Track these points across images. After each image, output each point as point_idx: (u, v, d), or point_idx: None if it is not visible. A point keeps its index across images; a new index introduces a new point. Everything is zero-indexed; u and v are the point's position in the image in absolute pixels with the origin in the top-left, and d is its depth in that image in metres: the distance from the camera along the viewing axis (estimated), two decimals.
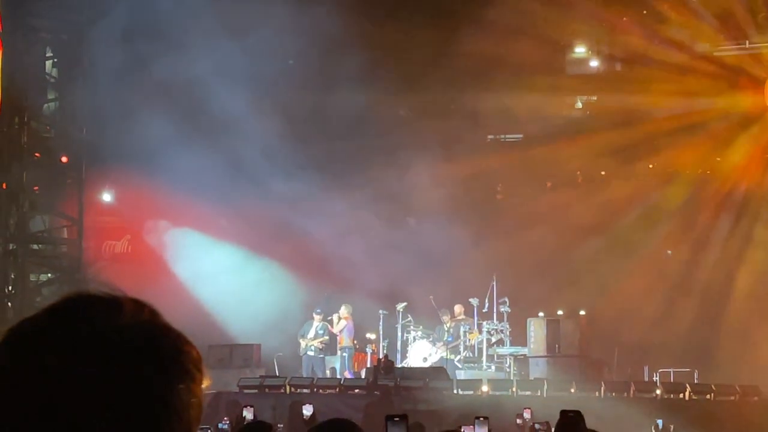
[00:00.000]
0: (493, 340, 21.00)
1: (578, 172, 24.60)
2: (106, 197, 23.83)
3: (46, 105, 20.71)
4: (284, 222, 21.62)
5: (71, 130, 20.19)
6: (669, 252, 23.48)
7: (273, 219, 21.56)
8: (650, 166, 24.01)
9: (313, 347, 20.96)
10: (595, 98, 24.61)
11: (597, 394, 17.54)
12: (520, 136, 25.12)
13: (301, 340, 21.06)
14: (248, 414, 14.76)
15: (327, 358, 21.28)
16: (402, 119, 23.45)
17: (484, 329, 20.91)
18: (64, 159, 20.60)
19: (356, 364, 21.49)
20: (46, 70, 20.63)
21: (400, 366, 20.06)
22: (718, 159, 22.97)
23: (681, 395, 17.77)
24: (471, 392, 17.94)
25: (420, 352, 21.16)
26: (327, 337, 21.12)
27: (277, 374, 20.14)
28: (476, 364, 20.83)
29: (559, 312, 21.38)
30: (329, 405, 16.88)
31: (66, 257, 20.72)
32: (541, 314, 20.68)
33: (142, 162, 19.92)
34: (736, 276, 21.72)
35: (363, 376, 19.46)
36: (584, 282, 21.36)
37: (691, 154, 22.61)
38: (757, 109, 22.02)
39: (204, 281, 21.98)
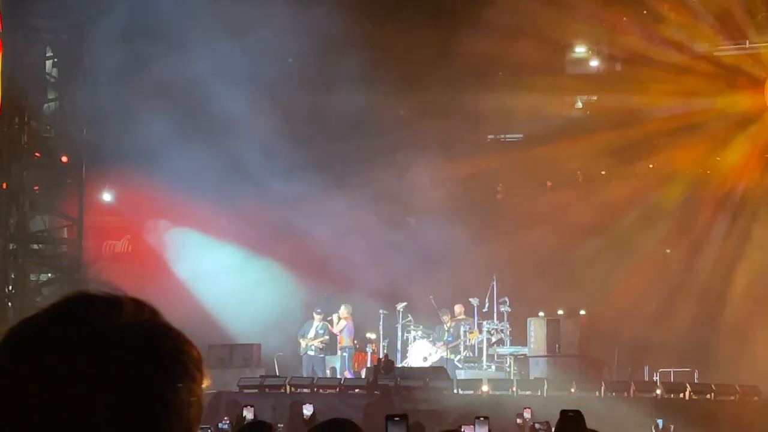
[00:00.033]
0: (494, 339, 21.00)
1: (578, 172, 24.59)
2: (107, 197, 23.84)
3: (46, 105, 20.72)
4: (284, 222, 21.63)
5: (71, 130, 20.20)
6: (668, 251, 23.48)
7: (273, 219, 21.57)
8: (650, 165, 24.01)
9: (313, 347, 20.96)
10: (595, 98, 24.61)
11: (597, 393, 17.54)
12: (520, 135, 25.11)
13: (301, 340, 21.06)
14: (248, 414, 14.77)
15: (327, 357, 21.28)
16: (402, 119, 23.45)
17: (485, 329, 20.91)
18: (64, 159, 20.60)
19: (356, 363, 21.48)
20: (47, 70, 20.63)
21: (400, 366, 20.06)
22: (718, 159, 22.97)
23: (681, 395, 17.77)
24: (471, 392, 17.94)
25: (420, 352, 21.16)
26: (327, 337, 21.12)
27: (278, 374, 20.14)
28: (476, 364, 20.83)
29: (560, 312, 21.38)
30: (329, 405, 16.88)
31: (66, 257, 20.72)
32: (541, 314, 20.68)
33: (142, 162, 19.93)
34: (736, 276, 21.71)
35: (363, 376, 19.47)
36: (584, 282, 21.35)
37: (691, 154, 22.60)
38: (756, 109, 22.02)
39: (204, 281, 21.99)
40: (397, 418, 7.77)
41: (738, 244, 22.00)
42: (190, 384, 1.39)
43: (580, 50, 24.40)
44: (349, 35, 19.64)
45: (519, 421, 15.51)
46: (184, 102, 19.89)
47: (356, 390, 18.21)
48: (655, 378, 19.41)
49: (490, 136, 25.35)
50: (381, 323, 21.36)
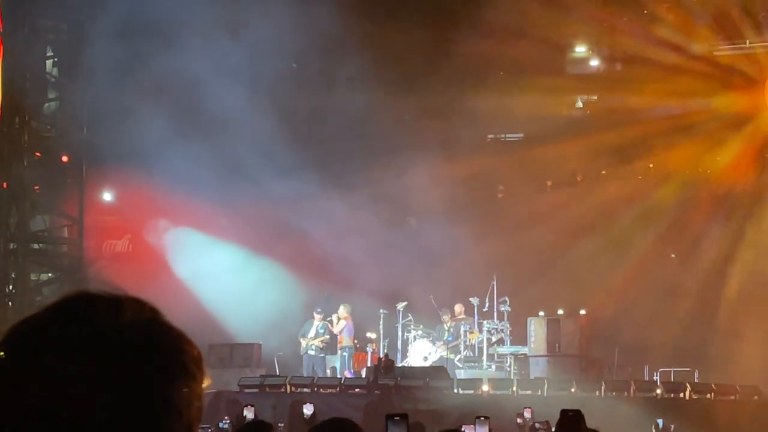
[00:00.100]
0: (494, 339, 20.99)
1: (578, 172, 24.59)
2: (107, 197, 23.85)
3: (46, 104, 20.72)
4: (285, 221, 21.63)
5: (72, 129, 20.20)
6: (672, 255, 23.45)
7: (273, 218, 21.57)
8: (650, 165, 24.01)
9: (313, 346, 20.97)
10: (595, 98, 24.60)
11: (597, 393, 17.53)
12: (521, 135, 25.11)
13: (301, 340, 21.07)
14: (249, 413, 14.78)
15: (327, 357, 21.28)
16: (402, 119, 23.44)
17: (485, 328, 20.90)
18: (64, 158, 20.60)
19: (356, 363, 21.48)
20: (47, 70, 20.62)
21: (400, 365, 20.05)
22: (719, 159, 22.96)
23: (681, 395, 17.76)
24: (471, 391, 17.94)
25: (420, 352, 21.16)
26: (327, 336, 21.12)
27: (278, 373, 20.14)
28: (476, 364, 20.82)
29: (560, 311, 21.37)
30: (330, 404, 16.88)
31: (66, 257, 20.72)
32: (541, 313, 20.67)
33: (142, 162, 19.92)
34: (736, 275, 21.70)
35: (363, 376, 19.46)
36: (584, 281, 21.35)
37: (692, 154, 22.60)
38: (755, 109, 22.02)
39: (204, 281, 21.99)
40: (397, 418, 7.77)
41: (738, 244, 21.99)
42: (191, 383, 1.39)
43: (580, 50, 24.39)
44: (350, 35, 19.65)
45: (519, 420, 15.52)
46: (185, 102, 19.88)
47: (356, 389, 18.20)
48: (655, 378, 19.40)
49: (490, 136, 25.34)
50: (381, 323, 21.35)
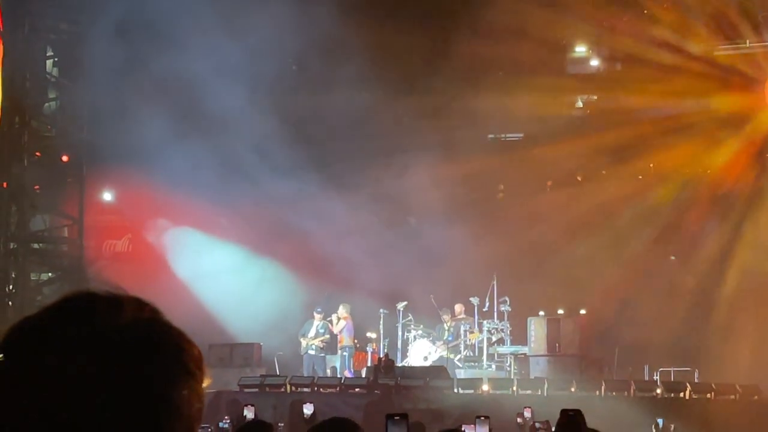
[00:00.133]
0: (494, 339, 20.99)
1: (579, 172, 24.59)
2: (107, 196, 23.85)
3: (46, 104, 20.72)
4: (285, 221, 21.63)
5: (72, 129, 20.20)
6: (672, 258, 23.44)
7: (273, 218, 21.58)
8: (651, 165, 24.01)
9: (314, 346, 20.97)
10: (595, 98, 24.60)
11: (597, 393, 17.53)
12: (521, 135, 25.11)
13: (302, 339, 21.07)
14: (249, 413, 14.78)
15: (328, 357, 21.28)
16: (402, 119, 23.43)
17: (485, 328, 20.91)
18: (64, 158, 20.61)
19: (357, 363, 21.49)
20: (47, 70, 20.63)
21: (400, 365, 20.05)
22: (719, 159, 22.95)
23: (681, 394, 17.76)
24: (471, 391, 17.93)
25: (420, 351, 21.16)
26: (328, 336, 21.12)
27: (278, 373, 20.14)
28: (477, 363, 20.82)
29: (560, 311, 21.38)
30: (330, 404, 16.88)
31: (67, 256, 20.72)
32: (541, 313, 20.68)
33: (142, 161, 19.92)
34: (735, 275, 21.70)
35: (363, 375, 19.46)
36: (585, 281, 21.35)
37: (692, 154, 22.59)
38: (756, 110, 22.01)
39: (205, 280, 21.99)
40: (397, 418, 7.77)
41: (738, 244, 21.99)
42: (191, 383, 1.39)
43: (580, 50, 24.38)
44: (350, 35, 19.64)
45: (519, 420, 15.52)
46: (185, 101, 19.89)
47: (356, 389, 18.20)
48: (655, 377, 19.41)
49: (490, 136, 25.34)
50: (381, 322, 21.36)
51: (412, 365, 20.48)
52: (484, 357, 20.77)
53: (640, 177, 23.94)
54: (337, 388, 18.12)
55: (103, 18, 19.30)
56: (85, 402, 1.30)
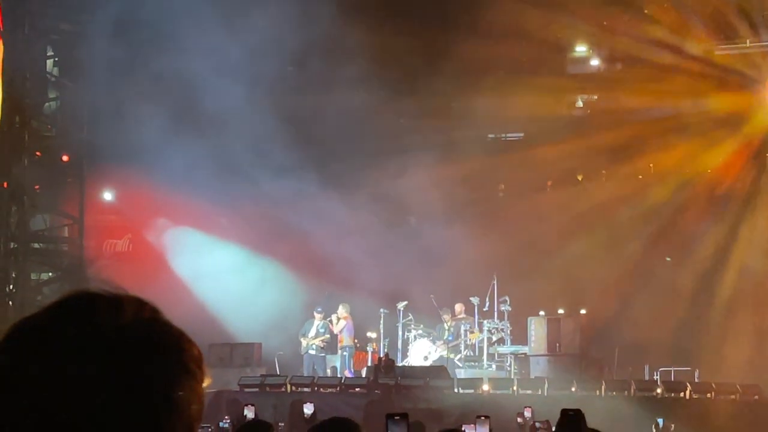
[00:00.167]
0: (494, 338, 20.99)
1: (579, 172, 24.59)
2: (107, 196, 23.85)
3: (46, 104, 20.72)
4: (285, 221, 21.63)
5: (72, 129, 20.21)
6: (668, 259, 23.45)
7: (273, 218, 21.58)
8: (651, 165, 24.00)
9: (314, 346, 20.97)
10: (595, 97, 24.59)
11: (597, 392, 17.53)
12: (521, 135, 25.11)
13: (302, 339, 21.07)
14: (249, 413, 14.78)
15: (328, 356, 21.28)
16: (403, 118, 23.43)
17: (485, 328, 20.91)
18: (65, 158, 20.62)
19: (357, 363, 21.49)
20: (47, 69, 20.63)
21: (400, 365, 20.05)
22: (719, 159, 22.96)
23: (681, 394, 17.76)
24: (471, 391, 17.94)
25: (420, 351, 21.16)
26: (328, 336, 21.12)
27: (278, 373, 20.15)
28: (477, 363, 20.83)
29: (560, 311, 21.38)
30: (330, 404, 16.88)
31: (67, 256, 20.72)
32: (541, 313, 20.68)
33: (142, 161, 19.92)
34: (736, 275, 21.70)
35: (363, 375, 19.46)
36: (585, 281, 21.35)
37: (692, 154, 22.59)
38: (756, 110, 22.00)
39: (205, 280, 21.99)
40: (397, 417, 7.77)
41: (738, 244, 21.99)
42: (191, 382, 1.39)
43: (581, 50, 24.37)
44: (350, 35, 19.64)
45: (519, 420, 15.52)
46: (185, 101, 19.88)
47: (357, 389, 18.20)
48: (655, 377, 19.41)
49: (491, 136, 25.34)
50: (381, 322, 21.36)
51: (413, 365, 20.48)
52: (485, 357, 20.77)
53: (641, 177, 23.94)
54: (338, 388, 18.13)
55: (103, 18, 19.29)
56: (85, 402, 1.31)
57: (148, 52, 19.42)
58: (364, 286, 20.98)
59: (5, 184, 19.19)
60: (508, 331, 20.91)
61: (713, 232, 22.24)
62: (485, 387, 17.88)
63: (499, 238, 21.94)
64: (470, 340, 21.07)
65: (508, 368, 20.53)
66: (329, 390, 18.03)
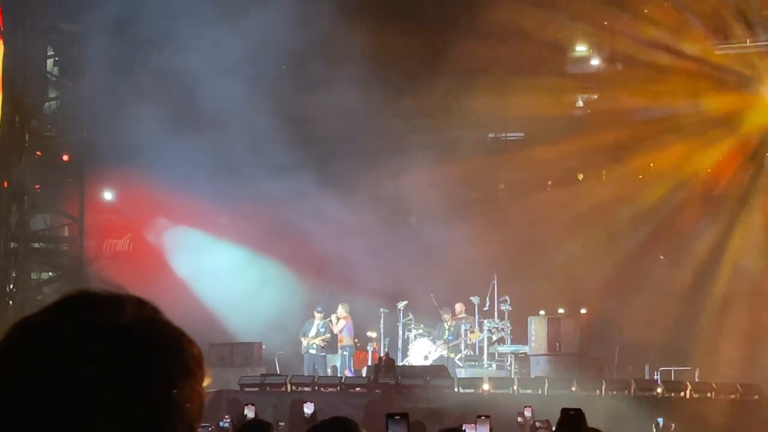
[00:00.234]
0: (494, 338, 21.00)
1: (579, 171, 24.59)
2: (107, 196, 23.85)
3: (47, 104, 20.71)
4: (285, 221, 21.64)
5: (72, 128, 20.20)
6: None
7: (274, 218, 21.58)
8: (651, 165, 24.00)
9: (314, 345, 20.97)
10: (595, 97, 24.59)
11: (598, 392, 17.54)
12: (521, 134, 25.11)
13: (302, 339, 21.08)
14: (249, 412, 14.78)
15: (328, 356, 21.29)
16: (403, 118, 23.43)
17: (485, 327, 20.92)
18: (65, 158, 20.60)
19: (357, 362, 21.49)
20: (48, 69, 20.62)
21: (400, 364, 20.06)
22: (719, 159, 22.96)
23: (681, 394, 17.77)
24: (472, 390, 17.94)
25: (421, 351, 21.17)
26: (328, 335, 21.12)
27: (278, 372, 20.15)
28: (477, 363, 20.83)
29: (560, 310, 21.37)
30: (330, 403, 16.89)
31: (67, 256, 20.72)
32: (542, 313, 20.68)
33: (142, 161, 19.92)
34: (736, 275, 21.70)
35: (364, 375, 19.47)
36: (585, 280, 21.35)
37: (692, 154, 22.59)
38: (756, 110, 22.00)
39: (205, 280, 22.00)
40: (397, 417, 7.78)
41: (738, 244, 21.99)
42: (192, 382, 1.39)
43: (581, 50, 24.37)
44: (350, 35, 19.63)
45: (520, 419, 15.53)
46: (185, 101, 19.89)
47: (357, 389, 18.21)
48: (655, 377, 19.41)
49: (491, 135, 25.35)
50: (382, 322, 21.37)
51: (413, 364, 20.49)
52: (485, 356, 20.78)
53: (641, 176, 23.94)
54: (338, 388, 18.13)
55: (103, 18, 19.28)
56: (85, 402, 1.31)
57: (147, 51, 19.42)
58: (364, 286, 20.98)
59: (5, 184, 19.18)
60: (509, 331, 20.92)
61: (713, 231, 22.25)
62: (485, 386, 17.88)
63: (499, 237, 21.94)
64: (470, 339, 21.07)
65: (509, 368, 20.54)
66: (329, 389, 18.04)
